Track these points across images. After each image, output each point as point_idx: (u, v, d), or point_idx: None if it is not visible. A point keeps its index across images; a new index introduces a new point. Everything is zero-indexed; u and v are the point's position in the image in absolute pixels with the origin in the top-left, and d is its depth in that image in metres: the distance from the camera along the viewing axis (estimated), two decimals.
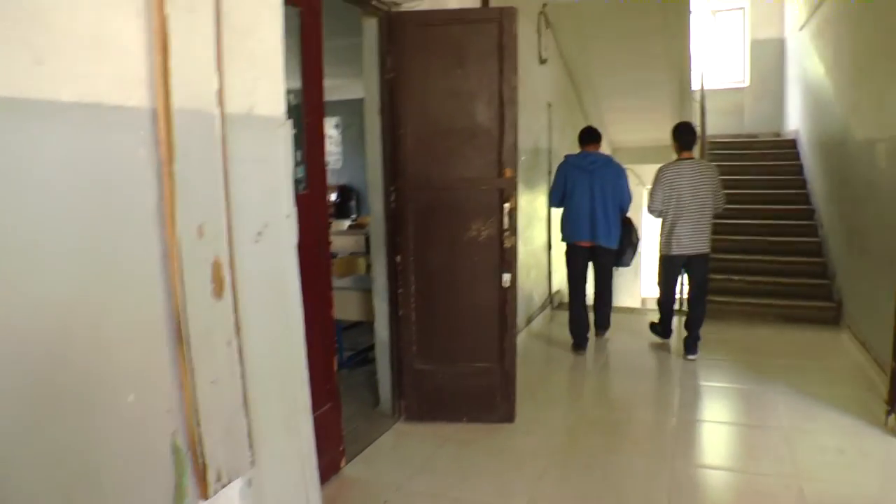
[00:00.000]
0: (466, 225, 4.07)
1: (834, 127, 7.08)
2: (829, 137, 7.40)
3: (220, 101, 1.98)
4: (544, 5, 6.65)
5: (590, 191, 5.56)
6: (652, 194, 5.49)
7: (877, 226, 5.31)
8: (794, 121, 9.94)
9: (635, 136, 10.16)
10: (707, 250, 5.52)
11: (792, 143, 9.56)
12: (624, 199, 5.68)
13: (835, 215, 7.03)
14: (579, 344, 5.87)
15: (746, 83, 11.65)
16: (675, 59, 8.29)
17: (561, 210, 5.81)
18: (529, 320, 6.49)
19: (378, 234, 4.27)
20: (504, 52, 3.89)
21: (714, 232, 7.36)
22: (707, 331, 5.85)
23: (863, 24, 6.01)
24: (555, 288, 7.58)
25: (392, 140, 4.09)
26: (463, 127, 4.01)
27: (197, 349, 1.91)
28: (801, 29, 9.22)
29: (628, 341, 6.34)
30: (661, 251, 5.59)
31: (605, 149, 9.98)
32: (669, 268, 5.61)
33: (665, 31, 7.58)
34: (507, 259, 4.06)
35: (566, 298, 7.52)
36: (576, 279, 5.86)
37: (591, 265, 5.91)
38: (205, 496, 1.96)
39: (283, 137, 2.39)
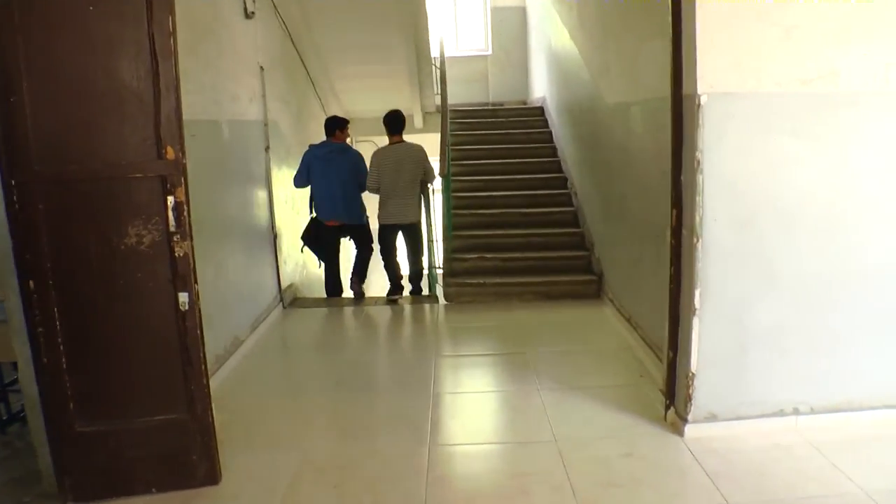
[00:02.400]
0: (122, 229, 2.91)
1: (582, 92, 6.66)
2: (577, 103, 6.99)
3: None
4: None
5: (329, 176, 6.28)
6: (367, 175, 6.29)
7: (634, 192, 4.85)
8: (541, 88, 9.63)
9: (372, 105, 9.23)
10: (416, 220, 6.38)
11: (539, 111, 9.22)
12: (362, 181, 6.35)
13: (589, 182, 6.61)
14: (331, 293, 6.77)
15: (489, 51, 11.24)
16: (408, 20, 7.41)
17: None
18: (254, 327, 5.34)
19: (3, 250, 2.97)
20: None
21: (462, 206, 6.78)
22: (461, 319, 5.88)
23: None
24: (286, 282, 6.45)
25: (5, 111, 2.78)
26: (105, 90, 2.82)
27: None
28: None
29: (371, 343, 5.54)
30: (379, 222, 6.35)
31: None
32: (387, 236, 6.39)
33: None
34: (180, 272, 2.95)
35: (301, 293, 6.62)
36: (328, 254, 6.66)
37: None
38: None
39: None
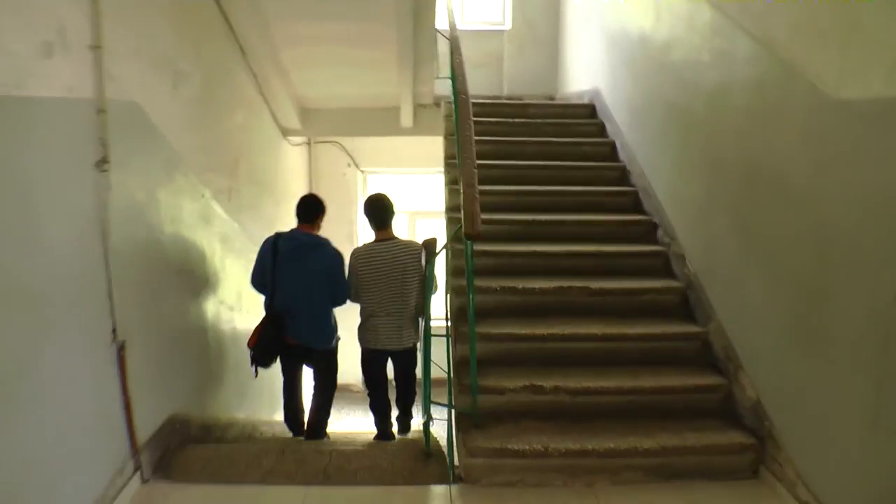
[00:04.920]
0: None
1: (713, 82, 3.68)
2: (697, 101, 3.97)
3: None
4: None
5: (292, 281, 4.35)
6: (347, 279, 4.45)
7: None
8: (588, 78, 6.61)
9: (338, 88, 6.04)
10: (412, 345, 4.41)
11: (589, 111, 6.20)
12: (336, 293, 4.42)
13: (734, 247, 3.58)
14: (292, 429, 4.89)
15: (507, 26, 8.19)
16: None
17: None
18: None
19: None
20: None
21: (486, 270, 4.28)
22: None
23: None
24: (151, 425, 3.33)
25: None
26: None
27: None
28: None
29: None
30: (362, 346, 4.55)
31: (287, 106, 5.88)
32: (374, 364, 4.58)
33: None
34: None
35: (200, 421, 3.64)
36: (286, 382, 4.78)
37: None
38: None
39: None
